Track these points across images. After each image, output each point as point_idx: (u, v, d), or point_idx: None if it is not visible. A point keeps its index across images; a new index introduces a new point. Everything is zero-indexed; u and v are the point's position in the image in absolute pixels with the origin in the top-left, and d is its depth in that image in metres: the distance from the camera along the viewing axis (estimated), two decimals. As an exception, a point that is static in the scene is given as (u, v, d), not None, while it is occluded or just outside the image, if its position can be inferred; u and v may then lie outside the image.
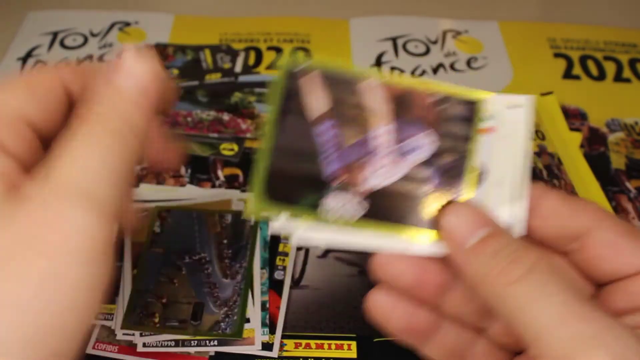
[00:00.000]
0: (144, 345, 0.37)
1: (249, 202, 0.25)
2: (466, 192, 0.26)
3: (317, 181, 0.26)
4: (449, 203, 0.26)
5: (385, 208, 0.26)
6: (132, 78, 0.25)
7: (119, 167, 0.23)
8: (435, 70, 0.58)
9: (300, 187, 0.25)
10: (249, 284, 0.39)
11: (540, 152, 0.49)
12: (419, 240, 0.27)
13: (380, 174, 0.26)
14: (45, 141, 0.25)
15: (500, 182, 0.27)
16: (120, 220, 0.24)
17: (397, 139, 0.26)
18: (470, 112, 0.26)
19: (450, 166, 0.26)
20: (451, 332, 0.29)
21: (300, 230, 0.26)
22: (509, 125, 0.27)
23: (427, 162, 0.26)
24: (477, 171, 0.27)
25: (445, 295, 0.28)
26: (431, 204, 0.26)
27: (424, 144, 0.26)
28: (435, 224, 0.26)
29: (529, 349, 0.22)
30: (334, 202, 0.26)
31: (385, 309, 0.28)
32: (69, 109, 0.26)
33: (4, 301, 0.20)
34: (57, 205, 0.21)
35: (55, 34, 0.60)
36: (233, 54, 0.58)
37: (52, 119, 0.25)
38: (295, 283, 0.40)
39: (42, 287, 0.20)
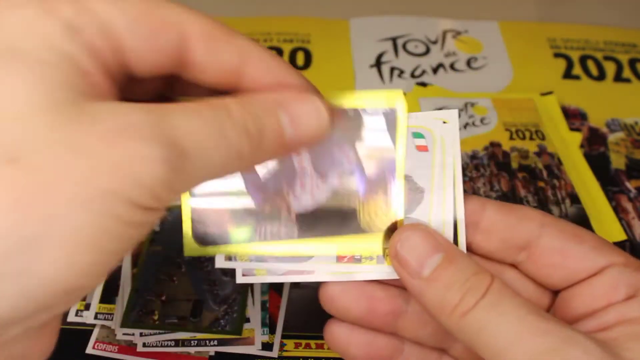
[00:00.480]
0: (144, 345, 0.37)
1: (184, 244, 0.25)
2: (397, 201, 0.25)
3: (243, 215, 0.25)
4: (397, 227, 0.25)
5: (319, 225, 0.26)
6: (301, 129, 0.22)
7: (212, 158, 0.19)
8: (435, 70, 0.58)
9: (226, 226, 0.25)
10: (249, 283, 0.39)
11: (540, 152, 0.49)
12: (365, 266, 0.26)
13: (305, 194, 0.26)
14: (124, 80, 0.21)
15: (437, 200, 0.26)
16: None
17: (317, 159, 0.25)
18: (389, 121, 0.26)
19: (376, 176, 0.26)
20: (414, 355, 0.28)
21: (240, 267, 0.26)
22: (438, 141, 0.26)
23: (350, 175, 0.26)
24: (416, 186, 0.26)
25: (399, 321, 0.28)
26: (365, 212, 0.26)
27: (342, 159, 0.26)
28: (385, 248, 0.26)
29: None
30: (266, 230, 0.26)
31: (342, 339, 0.28)
32: (177, 66, 0.21)
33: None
34: (130, 134, 0.17)
35: (55, 34, 0.60)
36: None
37: (146, 63, 0.20)
38: (295, 283, 0.40)
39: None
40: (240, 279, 0.26)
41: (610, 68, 0.59)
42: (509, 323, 0.22)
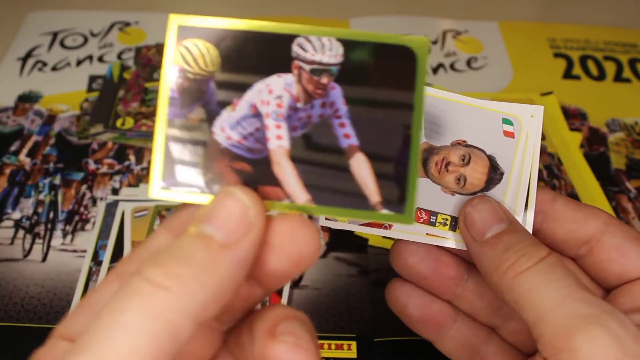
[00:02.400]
0: (144, 345, 0.37)
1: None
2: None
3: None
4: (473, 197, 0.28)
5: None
6: (215, 223, 0.20)
7: (150, 333, 0.18)
8: (435, 70, 0.58)
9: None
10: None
11: (541, 152, 0.49)
12: (437, 230, 0.28)
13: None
14: None
15: (514, 184, 0.28)
16: None
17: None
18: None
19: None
20: (465, 327, 0.30)
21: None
22: (524, 132, 0.28)
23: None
24: (502, 172, 0.29)
25: (459, 289, 0.29)
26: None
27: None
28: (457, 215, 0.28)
29: (533, 332, 0.23)
30: None
31: (402, 297, 0.30)
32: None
33: None
34: None
35: (55, 34, 0.60)
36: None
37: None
38: (295, 283, 0.40)
39: None
40: (323, 222, 0.28)
41: (610, 68, 0.59)
42: (556, 288, 0.23)
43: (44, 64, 0.57)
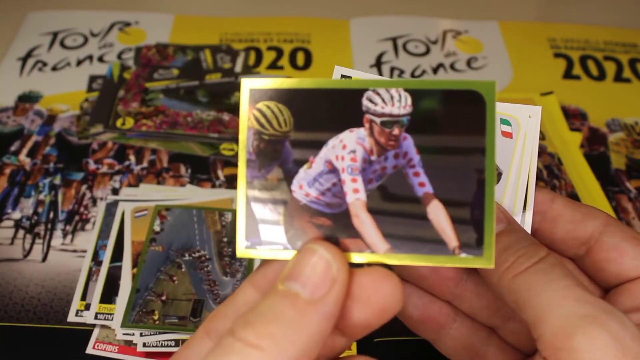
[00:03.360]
0: (144, 345, 0.37)
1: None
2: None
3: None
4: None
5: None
6: (300, 280, 0.21)
7: None
8: (435, 70, 0.58)
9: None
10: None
11: (540, 152, 0.49)
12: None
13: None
14: None
15: (512, 184, 0.28)
16: None
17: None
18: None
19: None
20: (465, 327, 0.30)
21: None
22: (522, 132, 0.28)
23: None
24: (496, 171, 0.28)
25: (458, 289, 0.29)
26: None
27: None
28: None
29: (532, 331, 0.23)
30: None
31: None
32: None
33: None
34: None
35: (55, 34, 0.60)
36: (233, 54, 0.58)
37: None
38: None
39: None
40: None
41: (610, 68, 0.59)
42: (555, 288, 0.23)
43: (44, 64, 0.57)
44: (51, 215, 0.45)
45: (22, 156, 0.49)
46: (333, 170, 0.23)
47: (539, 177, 0.47)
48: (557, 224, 0.28)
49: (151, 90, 0.53)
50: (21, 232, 0.43)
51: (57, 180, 0.47)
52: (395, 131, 0.23)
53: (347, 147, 0.23)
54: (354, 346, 0.37)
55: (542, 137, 0.50)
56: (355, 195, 0.23)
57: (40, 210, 0.45)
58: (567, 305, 0.22)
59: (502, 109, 0.29)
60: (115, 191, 0.46)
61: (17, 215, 0.45)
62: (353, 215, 0.23)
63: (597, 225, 0.27)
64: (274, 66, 0.58)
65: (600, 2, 0.67)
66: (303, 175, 0.23)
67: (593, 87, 0.57)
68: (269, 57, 0.59)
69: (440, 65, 0.58)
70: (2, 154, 0.49)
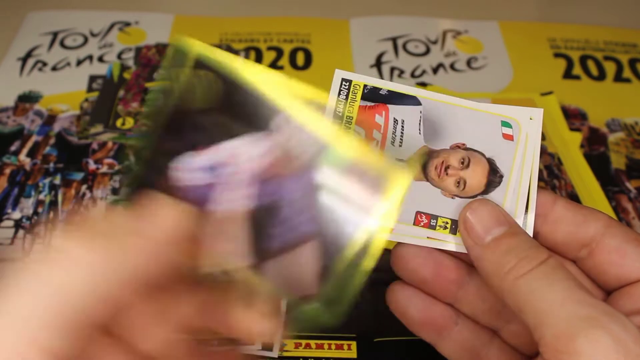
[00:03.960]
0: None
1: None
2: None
3: None
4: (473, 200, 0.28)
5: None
6: (159, 229, 0.22)
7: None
8: (435, 70, 0.58)
9: None
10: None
11: (541, 153, 0.49)
12: (438, 233, 0.28)
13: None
14: None
15: (513, 187, 0.28)
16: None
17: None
18: None
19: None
20: (467, 329, 0.30)
21: None
22: (523, 134, 0.29)
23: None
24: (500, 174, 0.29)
25: (460, 292, 0.30)
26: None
27: None
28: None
29: (534, 334, 0.23)
30: None
31: (403, 300, 0.30)
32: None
33: None
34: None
35: (55, 34, 0.60)
36: (233, 54, 0.58)
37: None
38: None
39: None
40: None
41: (610, 68, 0.59)
42: (557, 291, 0.23)
43: (44, 64, 0.57)
44: (51, 215, 0.45)
45: (22, 156, 0.49)
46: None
47: (539, 178, 0.47)
48: (559, 226, 0.28)
49: (151, 90, 0.53)
50: (21, 232, 0.43)
51: (57, 180, 0.47)
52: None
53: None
54: (354, 346, 0.37)
55: (543, 137, 0.50)
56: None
57: (40, 210, 0.45)
58: (568, 307, 0.22)
59: (503, 112, 0.29)
60: (115, 191, 0.46)
61: (17, 215, 0.45)
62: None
63: (598, 227, 0.27)
64: (274, 66, 0.58)
65: (600, 2, 0.67)
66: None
67: (593, 87, 0.57)
68: (269, 57, 0.59)
69: (440, 65, 0.58)
70: (2, 154, 0.49)
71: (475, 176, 0.28)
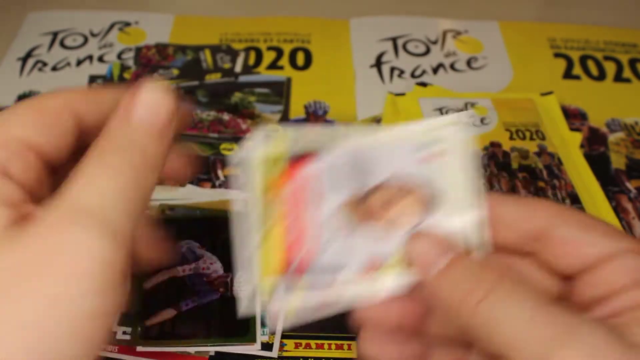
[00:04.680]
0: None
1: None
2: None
3: None
4: (414, 232, 0.26)
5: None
6: (149, 112, 0.24)
7: (134, 196, 0.23)
8: (435, 70, 0.58)
9: None
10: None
11: (540, 152, 0.49)
12: (386, 281, 0.27)
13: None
14: (53, 169, 0.25)
15: (459, 203, 0.27)
16: (134, 249, 0.23)
17: None
18: None
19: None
20: (443, 353, 0.29)
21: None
22: (451, 144, 0.27)
23: None
24: (436, 191, 0.27)
25: (429, 319, 0.29)
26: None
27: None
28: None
29: None
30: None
31: (375, 352, 0.28)
32: (80, 136, 0.25)
33: (7, 323, 0.19)
34: (67, 227, 0.21)
35: (55, 34, 0.60)
36: (233, 54, 0.58)
37: (61, 147, 0.25)
38: (295, 283, 0.40)
39: (47, 313, 0.19)
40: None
41: (610, 68, 0.59)
42: (518, 314, 0.22)
43: (44, 64, 0.57)
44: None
45: (22, 156, 0.49)
46: None
47: (539, 177, 0.47)
48: (504, 226, 0.27)
49: (151, 90, 0.53)
50: (21, 232, 0.43)
51: (57, 180, 0.47)
52: None
53: None
54: (354, 346, 0.37)
55: (542, 137, 0.50)
56: None
57: (40, 210, 0.45)
58: (534, 329, 0.22)
59: (425, 128, 0.27)
60: (115, 191, 0.46)
61: (17, 215, 0.44)
62: None
63: (546, 217, 0.26)
64: (274, 66, 0.58)
65: (600, 2, 0.67)
66: None
67: (593, 87, 0.57)
68: (269, 57, 0.59)
69: (440, 65, 0.58)
70: (2, 154, 0.49)
71: (405, 210, 0.27)
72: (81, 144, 0.25)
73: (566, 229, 0.26)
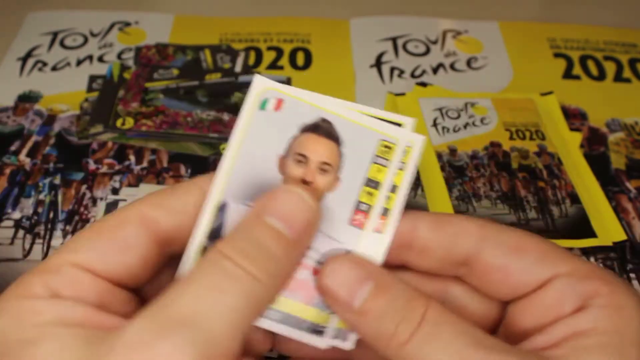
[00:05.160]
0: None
1: None
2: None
3: None
4: (326, 261, 0.24)
5: None
6: (285, 220, 0.22)
7: (239, 307, 0.20)
8: (435, 70, 0.58)
9: None
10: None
11: (540, 152, 0.49)
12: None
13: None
14: (137, 284, 0.24)
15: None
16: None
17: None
18: None
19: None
20: None
21: None
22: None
23: None
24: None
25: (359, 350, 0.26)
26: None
27: None
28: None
29: None
30: None
31: None
32: (164, 249, 0.24)
33: None
34: (153, 338, 0.19)
35: (55, 34, 0.60)
36: (233, 54, 0.58)
37: (132, 264, 0.23)
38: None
39: None
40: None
41: (610, 68, 0.59)
42: (448, 355, 0.21)
43: (44, 64, 0.57)
44: (51, 215, 0.45)
45: (22, 156, 0.49)
46: None
47: (539, 177, 0.47)
48: (427, 253, 0.25)
49: (151, 90, 0.53)
50: (21, 232, 0.43)
51: (57, 180, 0.47)
52: None
53: None
54: (354, 346, 0.37)
55: (542, 137, 0.50)
56: None
57: (40, 210, 0.45)
58: None
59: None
60: (115, 191, 0.46)
61: (17, 215, 0.45)
62: None
63: (471, 243, 0.25)
64: (274, 66, 0.58)
65: (600, 2, 0.67)
66: None
67: (593, 87, 0.57)
68: (269, 57, 0.59)
69: (440, 65, 0.58)
70: (2, 154, 0.49)
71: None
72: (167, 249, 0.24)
73: (493, 255, 0.24)
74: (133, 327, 0.19)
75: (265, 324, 0.24)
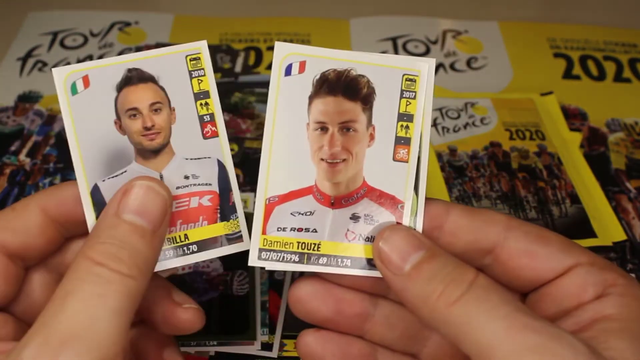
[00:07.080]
0: (144, 345, 0.37)
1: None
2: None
3: None
4: (383, 229, 0.26)
5: None
6: (140, 210, 0.24)
7: (124, 306, 0.22)
8: (435, 70, 0.58)
9: None
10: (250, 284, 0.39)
11: (540, 152, 0.49)
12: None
13: None
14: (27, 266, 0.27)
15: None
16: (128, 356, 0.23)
17: None
18: None
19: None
20: (389, 358, 0.29)
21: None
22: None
23: None
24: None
25: (367, 324, 0.28)
26: None
27: None
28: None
29: None
30: None
31: (317, 350, 0.28)
32: (57, 235, 0.27)
33: None
34: (50, 357, 0.20)
35: (55, 34, 0.60)
36: (233, 54, 0.58)
37: (32, 248, 0.26)
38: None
39: None
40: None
41: (610, 68, 0.59)
42: (496, 319, 0.22)
43: (44, 64, 0.57)
44: (51, 215, 0.45)
45: (22, 156, 0.49)
46: None
47: (539, 177, 0.47)
48: (457, 236, 0.26)
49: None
50: (21, 232, 0.43)
51: (57, 180, 0.47)
52: None
53: None
54: (354, 346, 0.37)
55: (542, 137, 0.50)
56: None
57: (40, 210, 0.45)
58: (513, 337, 0.21)
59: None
60: (115, 191, 0.46)
61: (17, 215, 0.44)
62: None
63: (498, 231, 0.26)
64: (274, 66, 0.58)
65: (600, 2, 0.67)
66: None
67: (593, 87, 0.57)
68: (269, 57, 0.59)
69: (441, 65, 0.58)
70: (2, 154, 0.49)
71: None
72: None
73: (520, 242, 0.25)
74: (28, 350, 0.20)
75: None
